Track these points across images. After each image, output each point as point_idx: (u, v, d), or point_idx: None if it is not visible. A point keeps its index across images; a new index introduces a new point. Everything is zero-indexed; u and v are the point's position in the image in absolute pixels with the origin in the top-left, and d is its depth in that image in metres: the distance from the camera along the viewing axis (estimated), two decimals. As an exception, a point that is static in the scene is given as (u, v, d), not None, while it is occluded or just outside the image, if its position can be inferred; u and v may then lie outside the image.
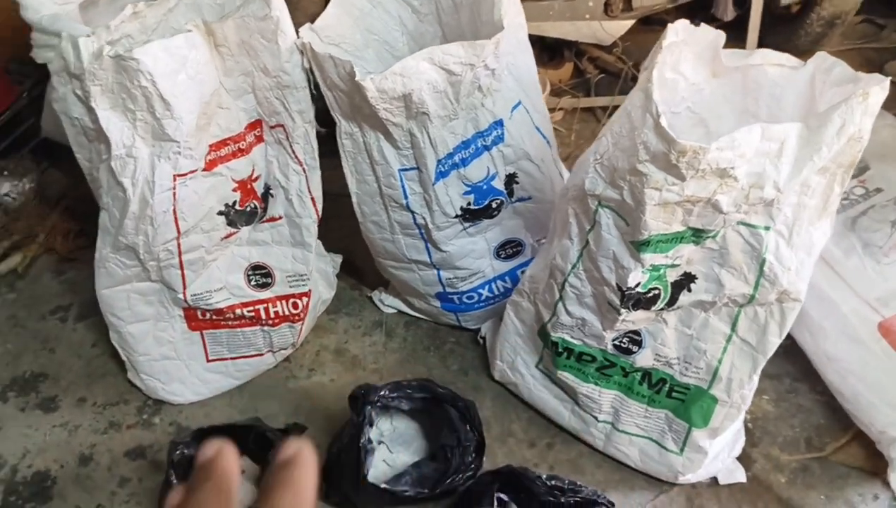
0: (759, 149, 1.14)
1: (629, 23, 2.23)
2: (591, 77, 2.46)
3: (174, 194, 1.39)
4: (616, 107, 2.29)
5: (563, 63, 2.42)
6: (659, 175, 1.15)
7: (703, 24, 1.30)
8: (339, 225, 1.69)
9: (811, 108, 1.26)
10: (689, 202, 1.17)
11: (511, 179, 1.56)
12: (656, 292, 1.31)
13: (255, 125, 1.47)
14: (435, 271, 1.66)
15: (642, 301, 1.31)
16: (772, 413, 1.66)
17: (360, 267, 1.96)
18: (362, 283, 1.96)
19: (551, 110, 2.00)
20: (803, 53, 1.46)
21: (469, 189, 1.52)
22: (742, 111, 1.34)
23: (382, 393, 1.41)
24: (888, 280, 1.60)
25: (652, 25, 2.53)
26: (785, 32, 2.37)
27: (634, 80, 2.36)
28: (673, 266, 1.28)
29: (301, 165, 1.50)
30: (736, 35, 2.04)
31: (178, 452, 1.33)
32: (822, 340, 1.63)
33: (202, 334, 1.63)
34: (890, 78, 1.16)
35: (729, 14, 2.25)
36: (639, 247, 1.24)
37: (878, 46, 2.59)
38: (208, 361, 1.67)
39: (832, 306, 1.61)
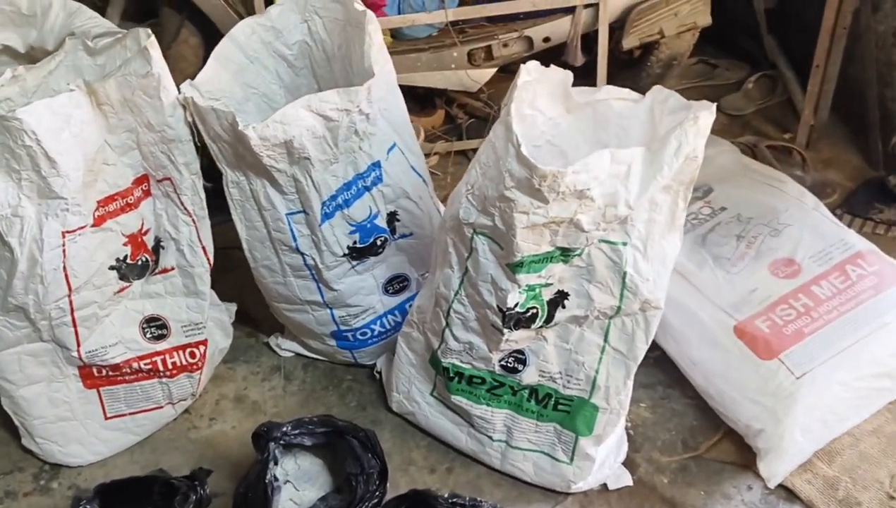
0: (610, 172, 1.28)
1: (492, 70, 2.41)
2: (461, 122, 2.63)
3: (64, 251, 1.41)
4: (488, 149, 2.46)
5: (435, 110, 2.58)
6: (525, 199, 1.27)
7: (552, 65, 1.45)
8: (230, 277, 1.73)
9: (654, 135, 1.40)
10: (554, 223, 1.30)
11: (392, 217, 1.65)
12: (534, 311, 1.41)
13: (142, 180, 1.52)
14: (328, 310, 1.72)
15: (522, 320, 1.42)
16: (649, 419, 1.77)
17: (253, 317, 1.99)
18: (258, 331, 1.99)
19: (427, 155, 2.12)
20: (648, 93, 1.61)
21: (354, 228, 1.60)
22: (595, 142, 1.48)
23: (285, 429, 1.45)
24: (738, 287, 1.77)
25: (510, 73, 2.72)
26: (630, 76, 2.57)
27: (502, 122, 2.53)
28: (547, 285, 1.39)
29: (190, 216, 1.55)
30: (587, 80, 2.23)
31: None
32: (687, 347, 1.77)
33: (99, 391, 1.62)
34: (716, 105, 1.32)
35: (579, 60, 2.42)
36: (514, 268, 1.35)
37: (713, 84, 2.88)
38: (106, 419, 1.65)
39: (692, 315, 1.75)
